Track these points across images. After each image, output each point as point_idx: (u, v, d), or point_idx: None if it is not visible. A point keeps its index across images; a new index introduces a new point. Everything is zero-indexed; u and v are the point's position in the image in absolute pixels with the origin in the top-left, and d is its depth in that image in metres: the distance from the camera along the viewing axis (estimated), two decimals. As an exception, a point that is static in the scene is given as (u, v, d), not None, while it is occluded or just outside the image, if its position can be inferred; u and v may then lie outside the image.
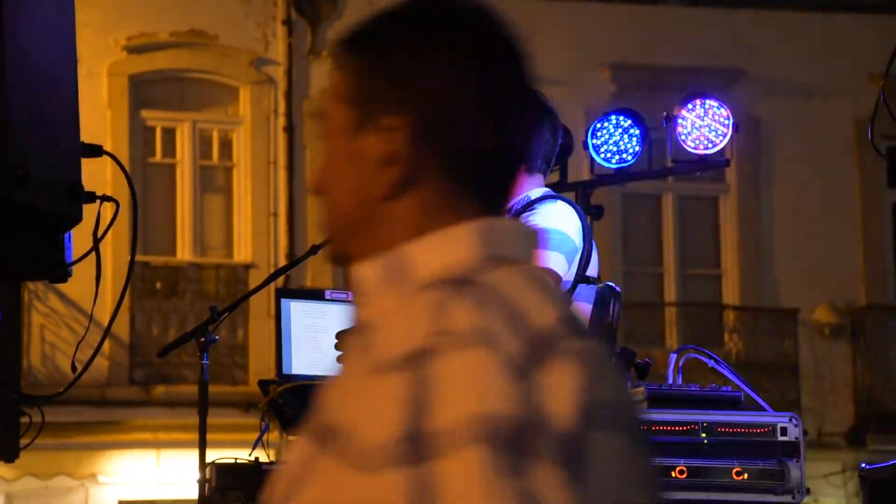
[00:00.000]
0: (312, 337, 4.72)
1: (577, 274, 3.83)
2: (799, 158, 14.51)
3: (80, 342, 3.48)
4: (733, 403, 4.70)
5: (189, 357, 12.79)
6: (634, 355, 4.24)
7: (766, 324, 14.25)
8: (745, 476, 4.55)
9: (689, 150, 5.60)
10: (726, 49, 14.42)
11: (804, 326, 14.30)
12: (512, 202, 3.96)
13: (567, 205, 3.87)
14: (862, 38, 14.30)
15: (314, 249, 4.28)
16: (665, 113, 5.59)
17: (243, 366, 13.24)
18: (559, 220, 3.81)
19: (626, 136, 5.65)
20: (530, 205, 3.88)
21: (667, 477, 4.51)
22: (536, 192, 3.94)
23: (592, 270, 3.91)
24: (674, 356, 4.93)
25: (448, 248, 1.43)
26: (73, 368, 3.34)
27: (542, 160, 3.97)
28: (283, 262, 13.25)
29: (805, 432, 4.64)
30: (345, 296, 4.81)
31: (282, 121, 13.69)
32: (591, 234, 3.91)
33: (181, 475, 12.24)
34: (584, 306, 3.89)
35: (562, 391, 1.33)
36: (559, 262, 3.76)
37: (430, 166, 1.44)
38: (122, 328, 13.01)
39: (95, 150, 3.03)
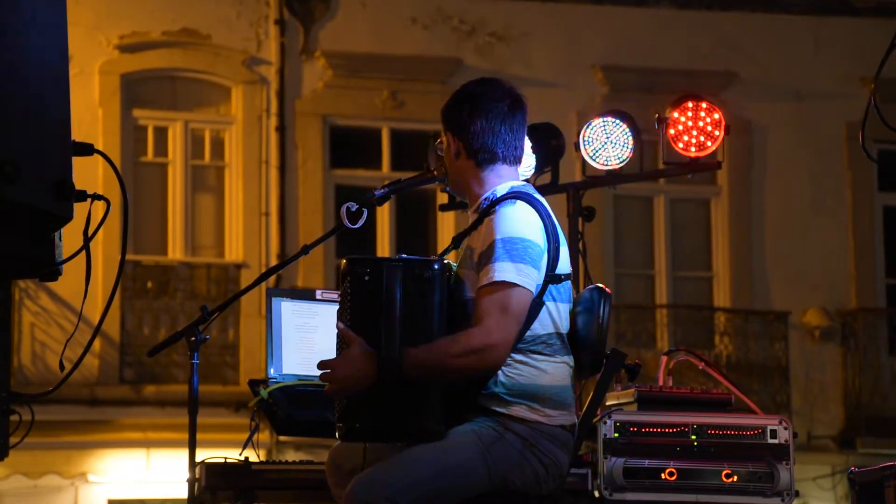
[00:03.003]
0: (303, 337, 4.72)
1: (546, 274, 3.77)
2: (790, 161, 14.53)
3: (68, 340, 3.48)
4: (723, 406, 4.71)
5: (179, 356, 12.78)
6: (625, 357, 4.24)
7: (756, 326, 14.26)
8: (735, 478, 4.55)
9: (681, 152, 5.61)
10: (718, 52, 14.43)
11: (795, 329, 14.31)
12: (481, 197, 3.89)
13: (526, 204, 3.79)
14: (853, 42, 14.32)
15: (305, 249, 4.27)
16: (657, 115, 5.60)
17: (234, 365, 13.22)
18: (520, 225, 3.73)
19: (618, 138, 5.65)
20: (494, 203, 3.81)
21: (657, 478, 4.52)
22: (503, 187, 3.88)
23: (564, 267, 3.85)
24: (665, 358, 4.93)
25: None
26: (62, 367, 3.34)
27: (492, 150, 3.86)
28: (274, 261, 13.24)
29: (795, 435, 4.64)
30: (335, 296, 4.80)
31: (274, 120, 13.68)
32: (556, 231, 3.83)
33: (171, 474, 12.23)
34: (559, 307, 3.84)
35: None
36: (528, 273, 3.70)
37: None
38: (112, 327, 12.99)
39: (87, 149, 3.02)
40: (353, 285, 3.74)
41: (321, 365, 3.72)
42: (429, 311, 3.69)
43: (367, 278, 3.71)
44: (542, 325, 3.80)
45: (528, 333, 3.76)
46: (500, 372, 3.73)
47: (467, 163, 3.89)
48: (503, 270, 3.68)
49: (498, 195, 3.84)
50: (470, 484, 3.72)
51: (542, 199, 3.89)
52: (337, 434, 3.77)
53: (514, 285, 3.67)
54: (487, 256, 3.71)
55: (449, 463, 3.68)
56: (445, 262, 3.78)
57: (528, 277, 3.71)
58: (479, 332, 3.65)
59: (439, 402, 3.71)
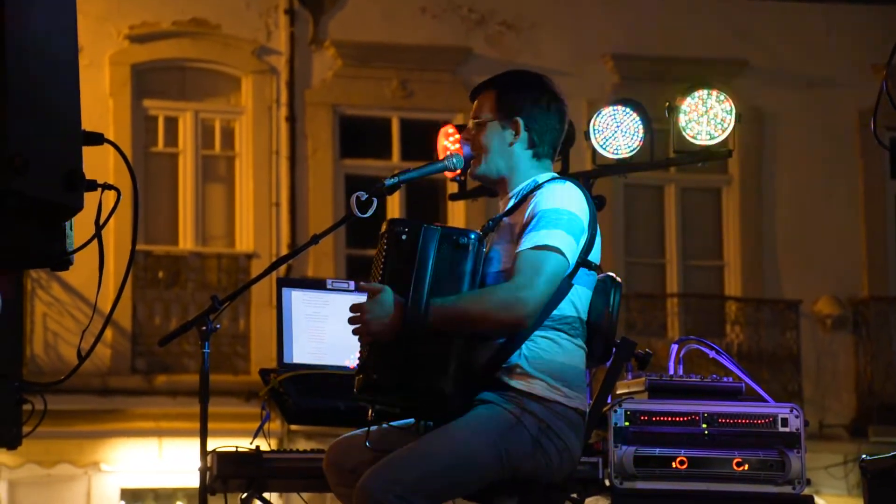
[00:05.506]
0: (313, 326, 4.73)
1: (579, 257, 3.81)
2: (802, 149, 14.50)
3: (84, 331, 3.48)
4: (734, 394, 4.71)
5: (190, 346, 12.80)
6: (635, 346, 4.24)
7: (768, 315, 14.25)
8: (746, 466, 4.55)
9: (692, 140, 5.60)
10: (729, 40, 14.40)
11: (806, 318, 14.30)
12: (519, 187, 3.94)
13: (575, 186, 3.86)
14: (865, 29, 14.28)
15: (315, 238, 4.27)
16: (668, 103, 5.59)
17: (244, 355, 13.25)
18: (568, 199, 3.79)
19: (628, 126, 5.65)
20: (538, 186, 3.86)
21: (668, 467, 4.52)
22: (544, 176, 3.93)
23: (595, 257, 3.89)
24: (675, 347, 4.93)
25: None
26: (79, 354, 3.34)
27: (548, 146, 3.96)
28: (284, 251, 13.25)
29: (806, 423, 4.64)
30: (346, 285, 4.81)
31: (284, 110, 13.68)
32: (596, 220, 3.90)
33: (183, 463, 12.27)
34: (582, 291, 3.86)
35: None
36: (569, 243, 3.74)
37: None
38: (123, 317, 13.02)
39: (97, 139, 3.03)
40: (390, 243, 3.79)
41: (353, 308, 3.73)
42: (460, 278, 3.74)
43: (404, 237, 3.77)
44: (570, 307, 3.82)
45: (556, 312, 3.79)
46: (524, 345, 3.75)
47: (525, 153, 3.94)
48: (546, 236, 3.72)
49: (540, 181, 3.90)
50: (482, 475, 3.72)
51: None
52: (354, 387, 3.78)
53: (555, 249, 3.72)
54: (532, 225, 3.76)
55: (461, 456, 3.68)
56: (482, 234, 3.81)
57: (569, 247, 3.75)
58: (508, 285, 3.70)
59: (459, 367, 3.72)
